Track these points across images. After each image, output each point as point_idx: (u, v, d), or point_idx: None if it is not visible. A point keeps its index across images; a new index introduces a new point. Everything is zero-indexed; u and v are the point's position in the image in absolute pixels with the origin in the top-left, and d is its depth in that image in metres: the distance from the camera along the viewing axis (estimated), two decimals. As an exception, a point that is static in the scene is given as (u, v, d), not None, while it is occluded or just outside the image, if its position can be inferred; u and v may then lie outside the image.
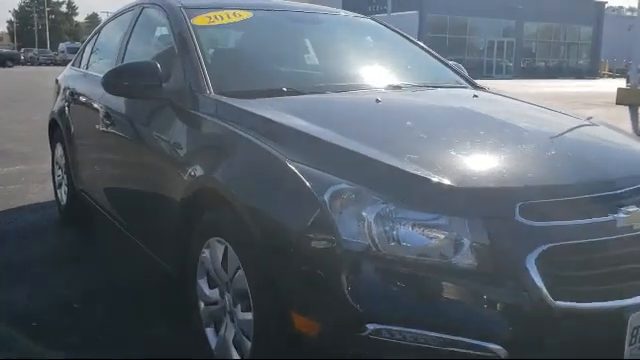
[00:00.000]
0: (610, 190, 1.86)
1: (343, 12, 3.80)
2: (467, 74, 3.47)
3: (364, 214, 1.73)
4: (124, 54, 3.44)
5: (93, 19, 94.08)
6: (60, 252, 3.83)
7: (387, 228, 1.71)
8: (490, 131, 2.24)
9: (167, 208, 2.57)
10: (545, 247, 1.69)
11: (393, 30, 3.66)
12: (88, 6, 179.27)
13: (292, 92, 2.60)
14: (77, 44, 50.25)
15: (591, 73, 46.97)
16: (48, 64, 49.29)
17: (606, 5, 52.18)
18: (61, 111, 4.37)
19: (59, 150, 4.52)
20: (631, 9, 75.03)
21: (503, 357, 1.64)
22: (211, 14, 3.04)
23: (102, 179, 3.61)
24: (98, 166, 3.68)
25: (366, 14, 4.07)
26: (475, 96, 2.87)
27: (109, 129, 3.26)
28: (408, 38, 3.63)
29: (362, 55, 3.33)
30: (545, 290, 1.66)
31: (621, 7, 78.84)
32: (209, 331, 2.31)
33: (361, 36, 3.56)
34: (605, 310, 1.72)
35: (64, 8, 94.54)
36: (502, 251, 1.69)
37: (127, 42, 3.48)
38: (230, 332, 2.17)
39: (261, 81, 2.79)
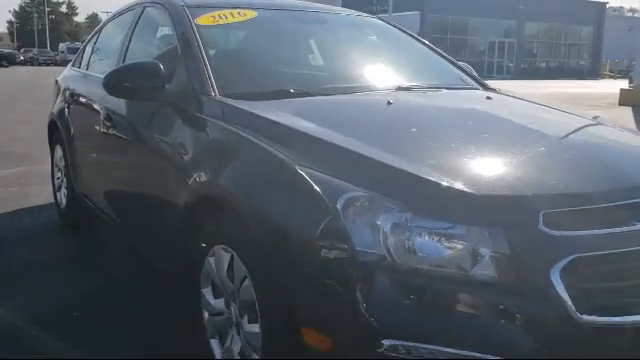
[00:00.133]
0: (638, 198, 1.78)
1: (349, 11, 3.71)
2: (476, 75, 3.38)
3: (379, 223, 1.64)
4: (125, 54, 3.36)
5: (93, 19, 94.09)
6: (59, 257, 3.75)
7: (403, 238, 1.63)
8: (507, 135, 2.16)
9: (169, 213, 2.48)
10: (570, 258, 1.60)
11: (400, 30, 3.57)
12: (88, 6, 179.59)
13: (300, 94, 2.52)
14: (77, 44, 50.26)
15: (592, 74, 46.91)
16: (48, 64, 49.31)
17: (607, 5, 52.09)
18: (61, 112, 4.29)
19: (58, 152, 4.44)
20: (632, 10, 75.01)
21: None
22: (215, 13, 2.95)
23: (102, 182, 3.53)
24: (98, 169, 3.60)
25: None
26: (488, 98, 2.78)
27: (110, 131, 3.18)
28: (416, 38, 3.55)
29: (370, 55, 3.24)
30: (570, 303, 1.57)
31: (622, 7, 78.66)
32: (214, 342, 2.22)
33: (368, 36, 3.46)
34: (634, 324, 1.63)
35: (64, 8, 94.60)
36: (524, 262, 1.61)
37: (128, 42, 3.39)
38: (236, 344, 2.09)
39: (267, 82, 2.70)
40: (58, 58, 51.51)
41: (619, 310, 1.63)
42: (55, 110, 4.44)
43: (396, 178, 1.75)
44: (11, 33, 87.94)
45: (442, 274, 1.62)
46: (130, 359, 2.51)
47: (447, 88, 3.00)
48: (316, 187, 1.76)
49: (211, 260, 2.18)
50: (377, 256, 1.62)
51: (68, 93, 4.21)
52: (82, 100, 3.85)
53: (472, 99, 2.86)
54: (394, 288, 1.64)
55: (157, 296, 3.06)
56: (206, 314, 2.25)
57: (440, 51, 3.49)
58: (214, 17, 2.93)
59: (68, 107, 4.16)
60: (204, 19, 2.89)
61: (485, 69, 41.40)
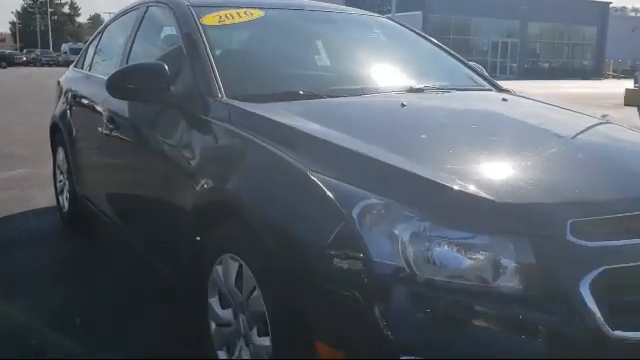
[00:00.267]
0: None
1: (357, 11, 3.62)
2: (488, 75, 3.29)
3: (396, 232, 1.56)
4: (128, 55, 3.28)
5: (96, 20, 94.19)
6: (62, 262, 3.68)
7: (423, 248, 1.54)
8: (527, 138, 2.07)
9: (174, 219, 2.41)
10: (600, 270, 1.52)
11: (410, 29, 3.49)
12: (90, 7, 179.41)
13: (309, 95, 2.43)
14: (80, 45, 50.35)
15: (595, 74, 46.77)
16: (50, 65, 49.49)
17: (610, 5, 51.94)
18: (63, 114, 4.22)
19: (61, 155, 4.37)
20: (635, 9, 74.89)
21: None
22: (221, 13, 2.87)
23: (105, 186, 3.46)
24: (101, 172, 3.52)
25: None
26: (504, 100, 2.69)
27: (113, 133, 3.10)
28: (426, 37, 3.46)
29: (379, 56, 3.14)
30: (601, 318, 1.48)
31: (624, 7, 78.52)
32: (221, 354, 2.13)
33: (378, 36, 3.37)
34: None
35: (67, 9, 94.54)
36: (551, 274, 1.52)
37: (132, 43, 3.31)
38: (245, 356, 2.00)
39: (275, 84, 2.61)
40: (60, 59, 51.65)
41: None
42: (57, 112, 4.37)
43: (414, 185, 1.67)
44: (14, 34, 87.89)
45: (463, 286, 1.53)
46: (130, 359, 2.48)
47: (460, 89, 2.91)
48: (329, 194, 1.67)
49: (218, 269, 2.09)
50: (395, 267, 1.54)
51: (70, 95, 4.14)
52: (85, 102, 3.78)
53: (487, 101, 2.77)
54: (413, 301, 1.55)
55: (162, 304, 2.97)
56: (213, 324, 2.17)
57: (451, 51, 3.40)
58: (220, 17, 2.85)
59: (70, 109, 4.09)
60: (210, 19, 2.80)
61: (488, 69, 40.39)
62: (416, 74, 3.01)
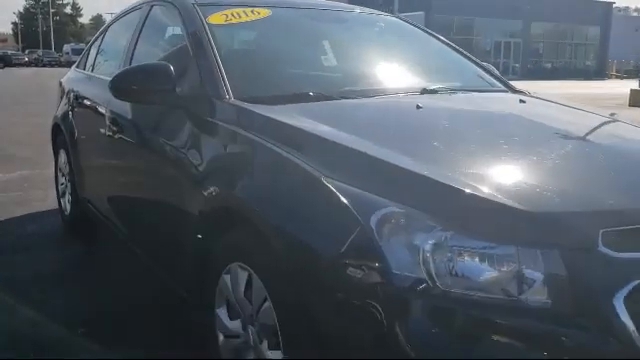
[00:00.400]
0: None
1: (367, 9, 3.53)
2: (501, 76, 3.20)
3: (417, 243, 1.47)
4: (132, 56, 3.19)
5: (98, 20, 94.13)
6: (63, 267, 3.59)
7: (445, 260, 1.45)
8: (552, 143, 1.98)
9: (179, 225, 2.32)
10: (635, 283, 1.43)
11: (421, 29, 3.40)
12: (92, 7, 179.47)
13: (320, 97, 2.34)
14: (81, 45, 50.44)
15: (598, 74, 46.62)
16: (52, 65, 49.56)
17: (613, 5, 51.81)
18: (65, 115, 4.14)
19: (62, 157, 4.29)
20: (637, 9, 74.74)
21: None
22: (227, 12, 2.78)
23: (108, 189, 3.38)
24: (104, 175, 3.44)
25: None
26: (522, 101, 2.60)
27: (116, 136, 3.02)
28: (437, 37, 3.37)
29: (391, 56, 3.05)
30: (636, 332, 1.40)
31: (627, 7, 78.32)
32: (229, 366, 2.05)
33: (389, 36, 3.28)
34: None
35: (69, 10, 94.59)
36: (583, 288, 1.43)
37: (135, 43, 3.22)
38: (254, 369, 1.91)
39: (285, 85, 2.52)
40: (62, 59, 51.78)
41: None
42: (59, 113, 4.30)
43: (435, 192, 1.58)
44: (16, 34, 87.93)
45: (488, 300, 1.44)
46: (130, 359, 2.43)
47: (475, 90, 2.82)
48: (345, 202, 1.58)
49: (226, 278, 2.01)
50: (416, 280, 1.45)
51: (72, 95, 4.06)
52: (87, 103, 3.70)
53: (505, 103, 2.68)
54: (435, 315, 1.46)
55: (166, 314, 2.88)
56: (221, 336, 2.08)
57: (463, 51, 3.31)
58: (226, 16, 2.76)
59: (72, 110, 4.01)
60: (216, 18, 2.72)
61: (491, 70, 41.03)
62: (429, 75, 2.92)
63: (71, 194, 4.10)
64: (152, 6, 3.24)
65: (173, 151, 2.44)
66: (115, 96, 2.55)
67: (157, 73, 2.40)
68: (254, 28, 2.88)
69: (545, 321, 1.44)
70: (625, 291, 1.41)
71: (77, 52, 39.23)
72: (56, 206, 4.51)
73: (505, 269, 1.45)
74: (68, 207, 4.19)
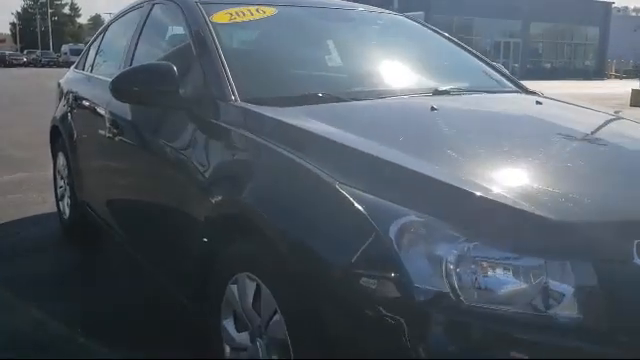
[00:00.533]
0: None
1: (374, 8, 3.43)
2: (512, 76, 3.11)
3: (440, 254, 1.38)
4: (132, 56, 3.10)
5: (96, 21, 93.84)
6: (62, 273, 3.50)
7: (470, 272, 1.36)
8: (577, 147, 1.90)
9: (183, 232, 2.24)
10: None
11: (431, 29, 3.31)
12: (91, 8, 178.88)
13: (330, 99, 2.24)
14: (80, 46, 50.44)
15: (598, 74, 46.55)
16: (51, 66, 49.50)
17: (612, 5, 51.77)
18: (63, 117, 4.05)
19: (61, 159, 4.20)
20: (636, 9, 74.77)
21: None
22: (232, 10, 2.69)
23: (108, 193, 3.28)
24: (104, 179, 3.35)
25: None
26: (538, 103, 2.51)
27: (116, 138, 2.93)
28: (447, 37, 3.28)
29: (401, 56, 2.95)
30: None
31: (626, 7, 78.26)
32: (236, 380, 1.96)
33: (397, 35, 3.20)
34: None
35: (67, 10, 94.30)
36: (617, 302, 1.35)
37: (136, 43, 3.13)
38: (263, 384, 1.82)
39: (292, 86, 2.43)
40: (61, 60, 51.74)
41: None
42: (57, 115, 4.21)
43: (457, 200, 1.49)
44: (14, 35, 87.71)
45: (516, 316, 1.36)
46: (130, 359, 2.41)
47: (487, 91, 2.73)
48: (362, 210, 1.49)
49: (233, 288, 1.91)
50: (439, 294, 1.36)
51: (71, 97, 3.97)
52: (86, 104, 3.61)
53: (521, 105, 2.59)
54: (458, 332, 1.38)
55: (169, 324, 2.79)
56: (227, 348, 1.99)
57: (473, 50, 3.23)
58: (231, 14, 2.68)
59: (71, 112, 3.92)
60: (220, 16, 2.63)
61: (490, 69, 40.90)
62: (439, 75, 2.83)
63: (70, 197, 4.01)
64: (153, 5, 3.15)
65: (176, 154, 2.35)
66: (116, 97, 2.46)
67: (160, 73, 2.30)
68: (259, 27, 2.78)
69: (576, 338, 1.35)
70: (663, 306, 1.33)
71: (75, 52, 39.21)
72: (55, 209, 4.42)
73: (533, 282, 1.37)
74: (67, 211, 4.10)
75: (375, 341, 1.43)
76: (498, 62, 3.16)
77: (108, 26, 4.17)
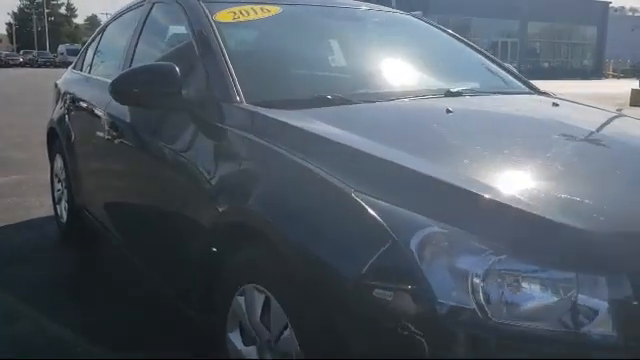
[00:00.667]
0: None
1: (380, 7, 3.34)
2: (523, 76, 3.02)
3: (465, 268, 1.29)
4: (132, 56, 3.00)
5: (93, 21, 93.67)
6: (60, 279, 3.41)
7: (498, 287, 1.28)
8: (604, 153, 1.81)
9: (187, 239, 2.15)
10: None
11: (439, 28, 3.22)
12: (87, 8, 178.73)
13: (339, 101, 2.15)
14: (76, 46, 50.37)
15: (595, 73, 46.58)
16: (47, 66, 49.34)
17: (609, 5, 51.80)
18: (61, 119, 3.95)
19: (59, 162, 4.10)
20: (633, 9, 74.84)
21: None
22: (235, 9, 2.60)
23: (107, 196, 3.19)
24: (103, 182, 3.26)
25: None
26: (555, 104, 2.42)
27: (116, 140, 2.84)
28: (456, 37, 3.19)
29: (410, 56, 2.85)
30: None
31: (623, 7, 78.33)
32: (243, 397, 1.86)
33: (405, 34, 3.10)
34: None
35: (63, 10, 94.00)
36: None
37: (136, 43, 3.03)
38: (272, 401, 1.73)
39: (299, 88, 2.34)
40: (57, 60, 51.64)
41: None
42: (55, 116, 4.11)
43: (482, 210, 1.40)
44: (10, 35, 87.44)
45: (547, 334, 1.27)
46: (130, 359, 2.38)
47: (500, 93, 2.64)
48: (380, 220, 1.40)
49: (240, 300, 1.82)
50: (465, 311, 1.27)
51: (69, 98, 3.88)
52: (84, 106, 3.52)
53: (538, 106, 2.50)
54: (486, 350, 1.29)
55: (172, 334, 2.69)
56: (233, 362, 1.90)
57: (483, 50, 3.14)
58: (234, 13, 2.58)
59: (69, 113, 3.83)
60: (223, 15, 2.54)
61: (488, 69, 40.85)
62: (450, 76, 2.74)
63: (68, 201, 3.91)
64: (153, 4, 3.06)
65: (179, 158, 2.26)
66: (116, 99, 2.37)
67: (162, 74, 2.21)
68: (264, 26, 2.67)
69: (610, 357, 1.26)
70: None
71: (72, 53, 39.15)
72: (52, 213, 4.32)
73: (564, 297, 1.28)
74: (64, 215, 4.01)
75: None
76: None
77: (106, 26, 4.08)
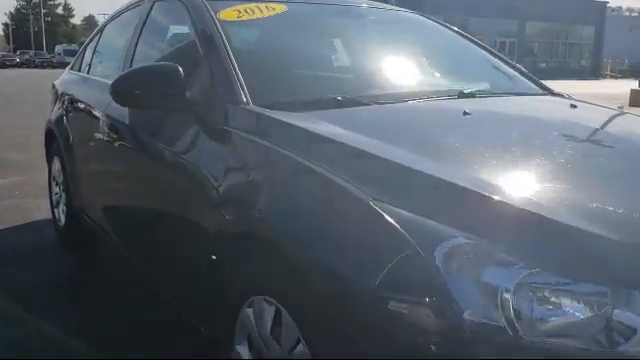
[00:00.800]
0: None
1: (388, 6, 3.25)
2: (535, 77, 2.94)
3: (494, 282, 1.21)
4: (133, 56, 2.92)
5: (90, 21, 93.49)
6: (58, 285, 3.31)
7: (530, 303, 1.19)
8: (633, 159, 1.72)
9: (190, 245, 2.07)
10: None
11: (449, 28, 3.14)
12: (84, 8, 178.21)
13: (350, 102, 2.06)
14: (74, 46, 50.27)
15: (593, 73, 46.58)
16: (44, 66, 49.20)
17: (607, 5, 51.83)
18: (59, 120, 3.86)
19: (57, 164, 4.02)
20: (629, 9, 74.91)
21: None
22: (239, 7, 2.51)
23: (106, 200, 3.11)
24: (102, 185, 3.17)
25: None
26: (573, 106, 2.33)
27: (115, 142, 2.75)
28: (466, 36, 3.11)
29: (420, 55, 2.76)
30: None
31: (620, 7, 78.33)
32: (252, 413, 1.78)
33: (415, 33, 3.02)
34: None
35: (60, 10, 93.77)
36: None
37: (136, 42, 2.95)
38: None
39: (308, 89, 2.25)
40: (55, 60, 51.48)
41: None
42: (53, 118, 4.02)
43: (511, 220, 1.31)
44: (7, 35, 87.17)
45: (581, 353, 1.18)
46: (130, 359, 2.36)
47: (514, 94, 2.55)
48: (401, 230, 1.31)
49: (249, 312, 1.73)
50: (493, 327, 1.19)
51: (67, 99, 3.79)
52: (83, 107, 3.43)
53: (557, 109, 2.41)
54: None
55: (170, 324, 2.62)
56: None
57: (493, 50, 3.06)
58: (239, 11, 2.50)
59: (67, 115, 3.74)
60: (227, 14, 2.45)
61: (486, 69, 40.84)
62: (461, 76, 2.66)
63: (66, 204, 3.83)
64: (154, 2, 2.97)
65: (182, 162, 2.18)
66: (116, 101, 2.28)
67: (165, 75, 2.12)
68: (270, 25, 2.58)
69: None
70: None
71: (69, 53, 39.05)
72: (50, 216, 4.23)
73: (599, 313, 1.20)
74: (62, 218, 3.92)
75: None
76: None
77: (105, 25, 3.99)
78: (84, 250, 3.81)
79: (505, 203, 1.34)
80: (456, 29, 3.14)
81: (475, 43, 3.07)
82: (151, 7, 2.98)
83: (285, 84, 2.27)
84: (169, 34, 2.91)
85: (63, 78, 4.28)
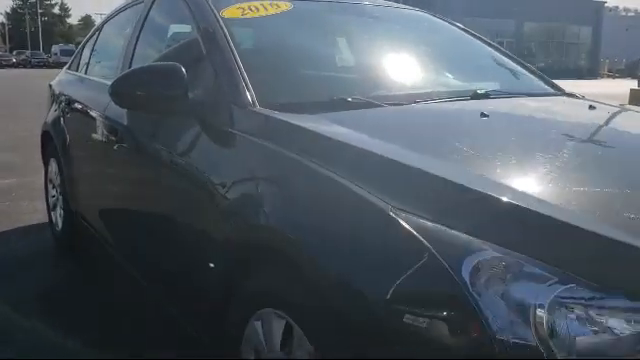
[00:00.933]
0: None
1: (395, 4, 3.16)
2: (547, 77, 2.86)
3: (526, 298, 1.12)
4: (132, 56, 2.82)
5: (87, 21, 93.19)
6: (55, 292, 3.22)
7: (566, 321, 1.11)
8: None
9: (192, 254, 1.98)
10: None
11: (458, 27, 3.06)
12: (81, 8, 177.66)
13: (362, 103, 1.97)
14: (70, 46, 50.16)
15: (591, 73, 46.58)
16: (41, 66, 49.05)
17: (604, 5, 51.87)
18: (56, 122, 3.77)
19: (53, 166, 3.93)
20: (626, 9, 74.99)
21: None
22: (243, 5, 2.43)
23: (104, 203, 3.03)
24: (100, 187, 3.08)
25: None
26: (592, 107, 2.25)
27: (115, 145, 2.66)
28: (476, 36, 3.02)
29: (432, 56, 2.66)
30: None
31: (617, 7, 78.39)
32: None
33: (425, 32, 2.93)
34: None
35: (57, 10, 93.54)
36: None
37: (136, 41, 2.86)
38: None
39: (316, 89, 2.16)
40: (51, 60, 51.31)
41: None
42: (49, 119, 3.93)
43: (544, 231, 1.22)
44: (3, 35, 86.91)
45: None
46: (130, 359, 2.37)
47: (528, 94, 2.46)
48: (424, 242, 1.22)
49: (257, 325, 1.64)
50: (526, 347, 1.10)
51: (64, 100, 3.70)
52: (81, 108, 3.34)
53: (576, 110, 2.32)
54: None
55: (170, 324, 2.52)
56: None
57: (503, 49, 2.98)
58: (242, 9, 2.41)
59: (64, 116, 3.65)
60: (231, 11, 2.36)
61: (484, 69, 40.84)
62: (473, 76, 2.58)
63: (63, 207, 3.74)
64: (154, 0, 2.88)
65: (185, 166, 2.08)
66: (116, 102, 2.19)
67: (166, 75, 2.02)
68: (275, 24, 2.48)
69: None
70: None
71: (66, 53, 38.94)
72: (46, 220, 4.14)
73: (637, 329, 1.11)
74: (59, 222, 3.83)
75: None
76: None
77: (104, 24, 3.90)
78: (81, 253, 3.71)
79: (537, 213, 1.25)
80: (464, 27, 3.05)
81: (485, 42, 2.99)
82: (151, 5, 2.89)
83: (293, 85, 2.18)
84: (170, 33, 2.82)
85: (60, 78, 4.19)
